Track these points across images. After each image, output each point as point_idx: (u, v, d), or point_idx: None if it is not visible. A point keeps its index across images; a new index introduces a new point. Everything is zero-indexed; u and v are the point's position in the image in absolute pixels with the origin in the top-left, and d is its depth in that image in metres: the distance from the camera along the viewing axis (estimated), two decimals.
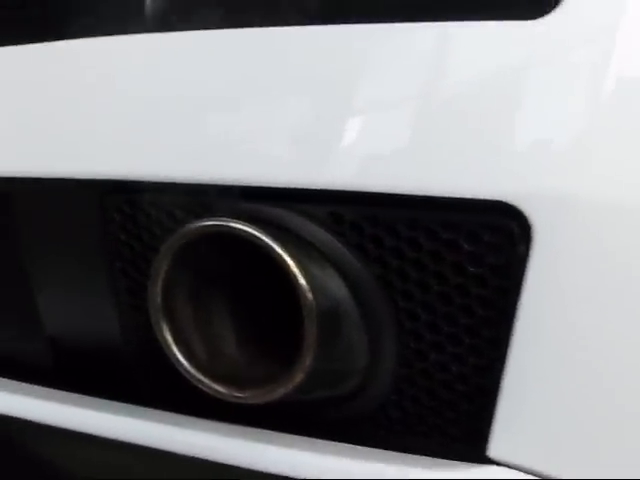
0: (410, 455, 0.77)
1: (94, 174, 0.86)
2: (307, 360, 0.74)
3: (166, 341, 0.79)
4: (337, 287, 0.77)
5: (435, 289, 0.75)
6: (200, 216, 0.79)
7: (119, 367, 0.94)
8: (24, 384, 1.00)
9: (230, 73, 0.80)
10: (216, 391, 0.78)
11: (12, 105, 0.92)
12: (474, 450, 0.75)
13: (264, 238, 0.74)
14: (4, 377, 1.01)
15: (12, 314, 1.01)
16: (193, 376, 0.79)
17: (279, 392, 0.75)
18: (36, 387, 0.99)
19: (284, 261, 0.73)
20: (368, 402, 0.80)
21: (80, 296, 0.93)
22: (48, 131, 0.88)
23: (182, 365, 0.79)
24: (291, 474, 0.77)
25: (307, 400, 0.80)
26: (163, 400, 0.92)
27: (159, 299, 0.79)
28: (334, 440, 0.81)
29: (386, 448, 0.79)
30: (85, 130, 0.86)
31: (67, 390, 0.98)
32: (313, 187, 0.76)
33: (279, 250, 0.73)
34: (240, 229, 0.74)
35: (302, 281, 0.73)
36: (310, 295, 0.73)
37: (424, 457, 0.76)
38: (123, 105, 0.85)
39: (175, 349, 0.79)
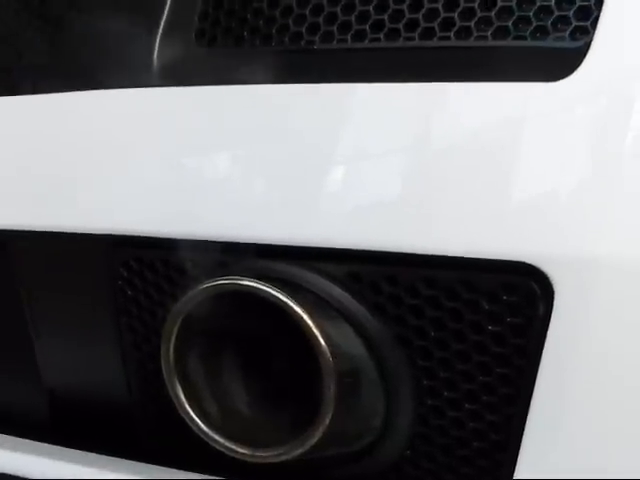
0: None
1: (102, 229, 0.85)
2: (326, 419, 0.73)
3: (179, 400, 0.79)
4: (355, 346, 0.77)
5: (454, 347, 0.75)
6: (212, 274, 0.78)
7: (121, 421, 0.93)
8: (22, 440, 0.98)
9: (240, 130, 0.81)
10: (232, 450, 0.77)
11: (20, 157, 0.91)
12: None
13: (282, 297, 0.74)
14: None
15: (11, 366, 0.99)
16: (207, 435, 0.78)
17: (297, 451, 0.75)
18: (34, 443, 0.97)
19: (303, 321, 0.73)
20: (383, 458, 0.80)
21: (84, 350, 0.92)
22: (56, 185, 0.87)
23: (196, 424, 0.78)
24: None
25: (321, 457, 0.80)
26: (166, 455, 0.91)
27: (172, 359, 0.78)
28: None
29: None
30: (93, 184, 0.86)
31: (66, 445, 0.96)
32: (331, 246, 0.76)
33: (297, 309, 0.73)
34: (257, 288, 0.74)
35: (322, 341, 0.73)
36: (329, 355, 0.73)
37: None
38: (130, 161, 0.84)
39: (189, 408, 0.79)
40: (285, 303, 0.74)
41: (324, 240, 0.76)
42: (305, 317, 0.73)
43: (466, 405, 0.76)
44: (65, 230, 0.87)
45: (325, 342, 0.73)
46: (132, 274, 0.86)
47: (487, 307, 0.73)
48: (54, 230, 0.88)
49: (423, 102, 0.75)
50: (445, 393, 0.76)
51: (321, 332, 0.73)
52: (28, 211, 0.90)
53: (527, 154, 0.70)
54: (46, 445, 0.97)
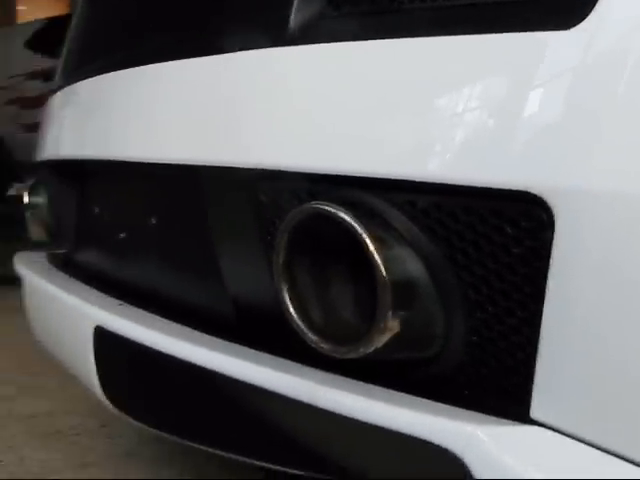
0: (464, 410, 0.88)
1: (250, 164, 1.05)
2: (381, 324, 0.87)
3: (285, 303, 0.96)
4: (414, 264, 0.90)
5: (490, 267, 0.86)
6: (309, 200, 0.95)
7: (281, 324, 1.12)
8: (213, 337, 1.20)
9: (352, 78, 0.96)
10: (319, 345, 0.93)
11: (203, 108, 1.13)
12: (522, 411, 0.85)
13: (348, 219, 0.88)
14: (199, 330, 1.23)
15: (208, 277, 1.22)
16: (302, 331, 0.95)
17: (361, 350, 0.89)
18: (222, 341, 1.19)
19: (362, 239, 0.88)
20: (448, 363, 0.92)
21: (250, 263, 1.13)
22: (224, 131, 1.09)
23: (295, 321, 0.95)
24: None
25: (398, 360, 0.94)
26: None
27: (281, 269, 0.96)
28: (422, 396, 0.94)
29: (462, 405, 0.91)
30: (242, 130, 1.06)
31: (248, 345, 1.17)
32: (397, 178, 0.90)
33: (359, 229, 0.88)
34: (329, 211, 0.89)
35: (377, 257, 0.87)
36: (383, 269, 0.87)
37: (477, 413, 0.88)
38: (270, 111, 1.03)
39: (291, 309, 0.96)
40: (349, 224, 0.88)
41: (392, 173, 0.90)
42: (364, 236, 0.87)
43: (506, 319, 0.86)
44: (226, 165, 1.08)
45: (381, 258, 0.87)
46: (269, 200, 1.04)
47: (510, 232, 0.83)
48: (222, 165, 1.09)
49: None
50: (489, 308, 0.87)
51: (378, 249, 0.87)
52: (209, 150, 1.12)
53: (533, 97, 0.80)
54: (230, 344, 1.18)
